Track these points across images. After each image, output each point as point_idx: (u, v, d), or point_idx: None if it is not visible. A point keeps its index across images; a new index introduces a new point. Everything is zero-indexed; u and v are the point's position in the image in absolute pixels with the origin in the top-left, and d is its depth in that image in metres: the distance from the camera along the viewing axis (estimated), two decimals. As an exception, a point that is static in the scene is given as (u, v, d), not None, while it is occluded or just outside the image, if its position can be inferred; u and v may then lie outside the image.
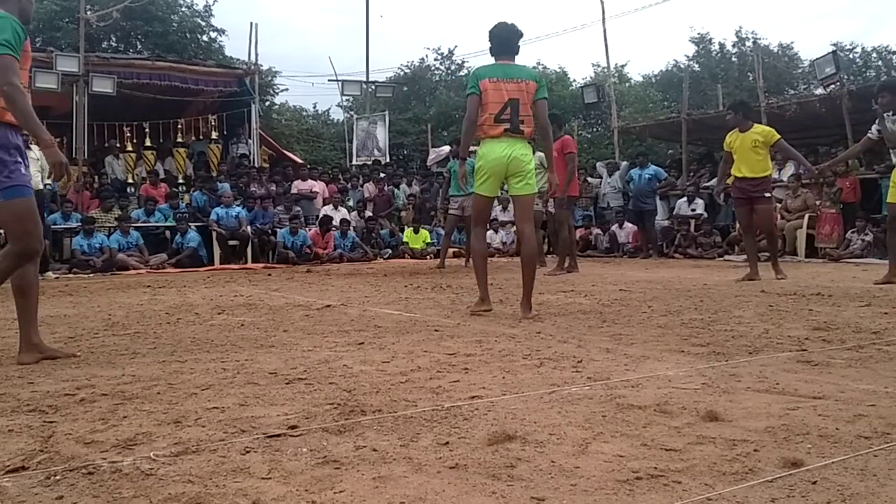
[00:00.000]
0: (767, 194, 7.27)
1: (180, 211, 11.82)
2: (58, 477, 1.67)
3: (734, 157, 7.19)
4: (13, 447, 1.91)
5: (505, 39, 4.70)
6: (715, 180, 13.11)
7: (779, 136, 7.06)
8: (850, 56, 29.94)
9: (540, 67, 32.75)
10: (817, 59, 12.82)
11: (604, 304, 5.14)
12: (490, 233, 14.03)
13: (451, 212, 9.83)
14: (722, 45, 33.21)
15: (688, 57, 33.71)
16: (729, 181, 7.50)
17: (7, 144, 3.11)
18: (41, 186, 9.47)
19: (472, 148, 5.15)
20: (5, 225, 3.18)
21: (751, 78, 26.22)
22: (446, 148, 15.03)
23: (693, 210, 12.64)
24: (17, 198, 3.10)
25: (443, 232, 11.46)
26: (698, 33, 33.77)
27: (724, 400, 2.29)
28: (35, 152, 9.14)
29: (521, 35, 4.73)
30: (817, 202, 11.10)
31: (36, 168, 9.01)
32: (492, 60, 4.74)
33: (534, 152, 9.79)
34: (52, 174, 3.63)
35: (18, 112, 3.06)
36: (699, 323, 4.06)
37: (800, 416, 2.09)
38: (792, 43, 35.47)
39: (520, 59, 4.78)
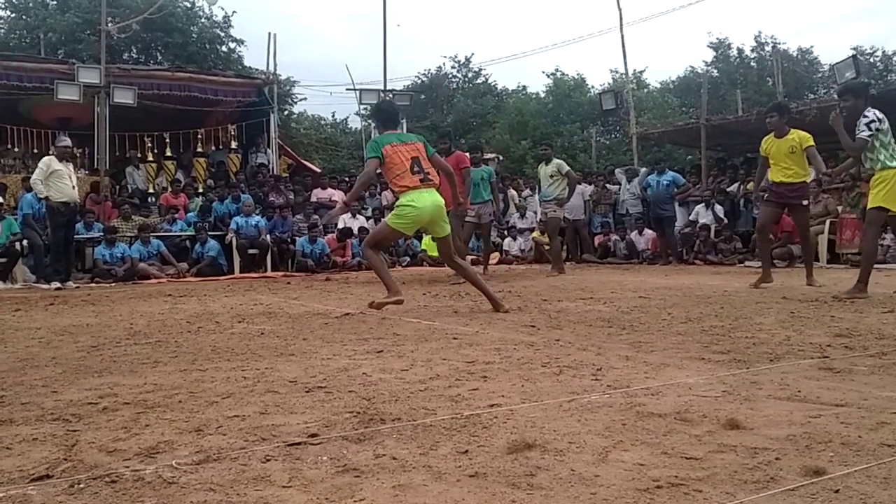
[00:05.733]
0: (805, 202, 6.98)
1: (200, 221, 11.92)
2: (81, 485, 1.69)
3: (770, 163, 6.91)
4: (37, 456, 1.93)
5: (393, 114, 5.76)
6: (734, 186, 13.26)
7: (811, 143, 6.76)
8: (871, 60, 29.73)
9: (558, 74, 32.85)
10: (837, 63, 12.72)
11: (623, 311, 5.12)
12: (508, 240, 14.09)
13: (467, 219, 9.79)
14: (741, 50, 33.17)
15: (706, 62, 33.72)
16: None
17: None
18: (77, 199, 9.65)
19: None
20: None
21: (770, 83, 26.09)
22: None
23: (712, 216, 12.55)
24: None
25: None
26: (717, 38, 33.81)
27: (745, 408, 2.28)
28: (69, 167, 9.33)
29: (400, 110, 5.84)
30: (838, 207, 10.99)
31: (70, 182, 9.18)
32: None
33: (548, 162, 10.00)
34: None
35: None
36: (720, 330, 4.03)
37: (822, 424, 2.07)
38: (812, 47, 35.36)
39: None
